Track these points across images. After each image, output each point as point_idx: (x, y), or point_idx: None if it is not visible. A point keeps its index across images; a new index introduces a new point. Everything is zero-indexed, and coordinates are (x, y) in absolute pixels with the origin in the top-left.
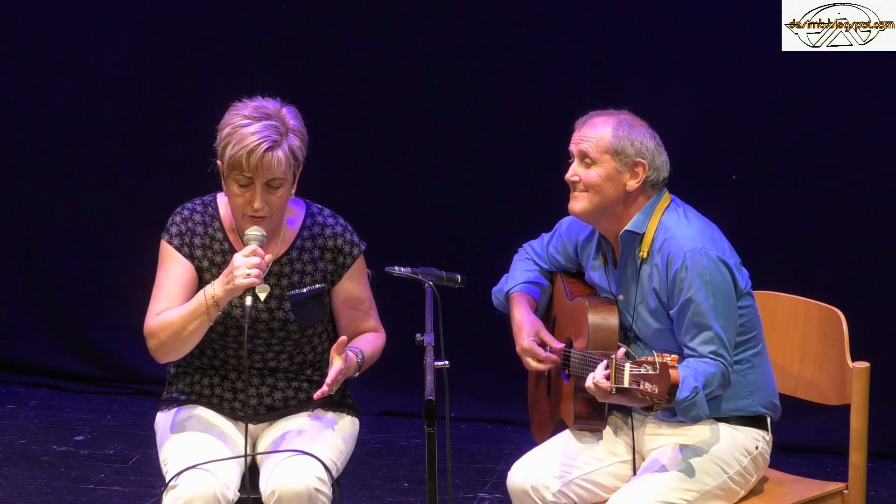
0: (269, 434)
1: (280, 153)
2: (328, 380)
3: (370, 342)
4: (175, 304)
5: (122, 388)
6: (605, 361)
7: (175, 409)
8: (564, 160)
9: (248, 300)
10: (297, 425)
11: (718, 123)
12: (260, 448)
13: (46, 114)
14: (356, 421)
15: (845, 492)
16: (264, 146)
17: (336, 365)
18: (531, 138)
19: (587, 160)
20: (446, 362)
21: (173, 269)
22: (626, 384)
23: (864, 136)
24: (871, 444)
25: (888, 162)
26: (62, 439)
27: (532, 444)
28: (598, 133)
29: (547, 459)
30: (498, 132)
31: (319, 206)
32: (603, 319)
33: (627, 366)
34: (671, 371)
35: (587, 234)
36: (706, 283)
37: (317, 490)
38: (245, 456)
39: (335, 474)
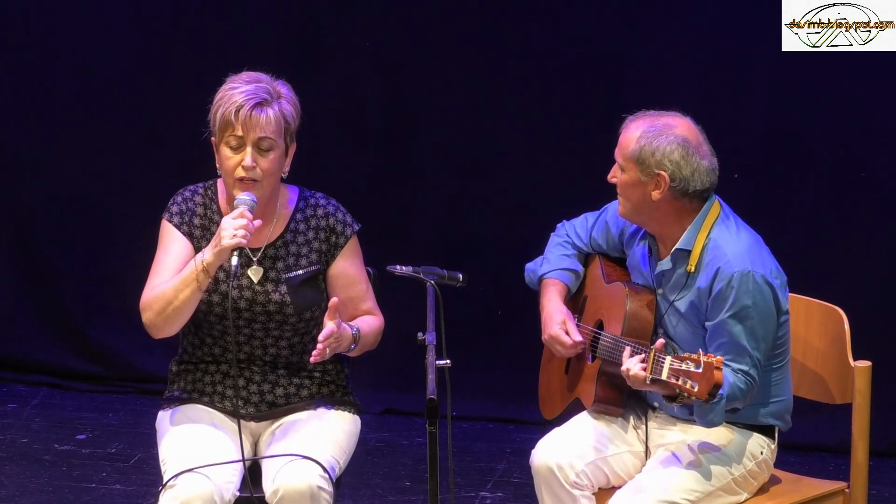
0: (271, 432)
1: (270, 112)
2: (321, 336)
3: (367, 322)
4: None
5: (124, 387)
6: (643, 352)
7: (176, 408)
8: (566, 158)
9: (234, 259)
10: (299, 424)
11: (720, 124)
12: (262, 446)
13: (46, 110)
14: (358, 419)
15: (847, 491)
16: (253, 101)
17: (329, 325)
18: (533, 137)
19: (620, 165)
20: (448, 361)
21: (172, 245)
22: (663, 377)
23: (866, 136)
24: (873, 443)
25: (889, 161)
26: (64, 438)
27: (538, 433)
28: (626, 139)
29: (571, 439)
30: (500, 130)
31: (312, 190)
32: (640, 308)
33: (668, 359)
34: (715, 372)
35: (634, 226)
36: (748, 306)
37: (319, 488)
38: (243, 460)
39: (337, 473)
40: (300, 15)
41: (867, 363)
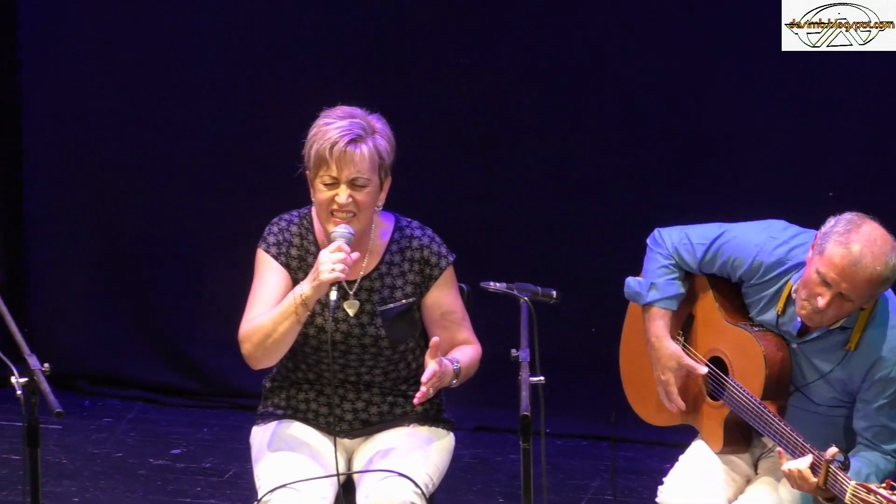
0: (365, 449)
1: (364, 148)
2: (424, 378)
3: (465, 353)
4: (270, 309)
5: (218, 402)
6: (810, 456)
7: (270, 424)
8: (659, 176)
9: (333, 294)
10: (393, 441)
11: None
12: (356, 463)
13: (142, 130)
14: (451, 436)
15: None
16: (347, 138)
17: (431, 366)
18: (625, 153)
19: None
20: (542, 378)
21: (270, 276)
22: (846, 500)
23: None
24: None
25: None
26: (159, 453)
27: (631, 450)
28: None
29: (701, 481)
30: (591, 147)
31: (409, 219)
32: (778, 372)
33: (852, 484)
34: None
35: (763, 277)
36: None
37: None
38: (337, 475)
39: (431, 490)
40: (392, 29)
41: None
